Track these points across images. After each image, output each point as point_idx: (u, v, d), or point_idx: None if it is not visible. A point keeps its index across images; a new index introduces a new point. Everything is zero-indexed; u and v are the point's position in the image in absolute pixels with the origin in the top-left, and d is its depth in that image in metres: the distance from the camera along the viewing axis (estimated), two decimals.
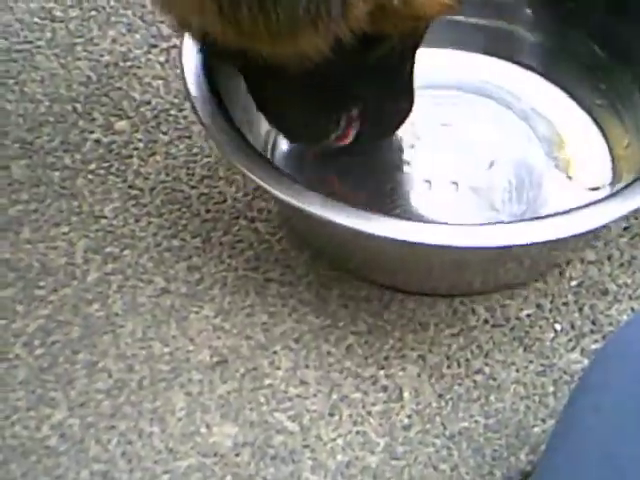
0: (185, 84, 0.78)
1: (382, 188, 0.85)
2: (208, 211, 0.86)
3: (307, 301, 0.81)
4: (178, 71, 0.94)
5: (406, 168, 0.86)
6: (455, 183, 0.85)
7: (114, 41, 0.98)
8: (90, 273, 0.82)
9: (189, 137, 0.91)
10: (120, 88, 0.94)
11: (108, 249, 0.84)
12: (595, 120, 0.89)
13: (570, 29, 0.89)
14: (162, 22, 1.00)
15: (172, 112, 0.93)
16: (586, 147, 0.87)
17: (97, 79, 0.95)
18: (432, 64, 0.91)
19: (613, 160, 0.86)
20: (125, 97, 0.94)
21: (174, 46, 0.98)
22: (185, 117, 0.93)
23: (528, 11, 0.91)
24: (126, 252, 0.84)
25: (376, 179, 0.85)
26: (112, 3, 1.01)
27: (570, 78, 0.90)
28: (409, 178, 0.86)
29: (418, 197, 0.84)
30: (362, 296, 0.81)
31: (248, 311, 0.81)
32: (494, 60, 0.93)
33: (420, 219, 0.81)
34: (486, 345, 0.79)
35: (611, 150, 0.86)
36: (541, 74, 0.92)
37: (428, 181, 0.85)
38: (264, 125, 0.81)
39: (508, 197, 0.84)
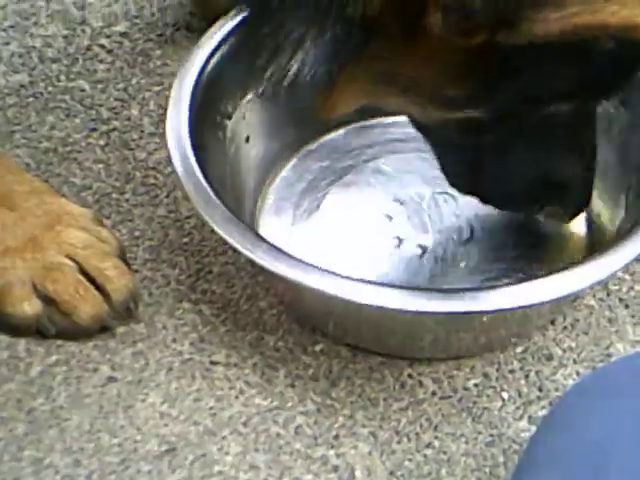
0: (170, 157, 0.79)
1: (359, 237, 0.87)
2: (151, 295, 0.86)
3: (254, 383, 0.81)
4: (119, 153, 0.95)
5: (385, 222, 0.87)
6: (424, 248, 0.86)
7: (53, 127, 0.98)
8: (34, 366, 0.81)
9: (131, 220, 0.91)
10: (59, 174, 0.94)
11: (51, 339, 0.83)
12: None
13: None
14: (101, 105, 1.00)
15: (114, 195, 0.93)
16: None
17: (36, 166, 0.95)
18: None
19: None
20: (65, 182, 0.94)
21: (114, 129, 0.98)
22: (127, 200, 0.93)
23: None
24: (70, 341, 0.83)
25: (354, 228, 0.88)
26: (50, 89, 1.01)
27: None
28: (384, 232, 0.87)
29: (384, 253, 0.86)
30: (309, 375, 0.81)
31: (195, 396, 0.80)
32: None
33: (381, 276, 0.83)
34: (435, 418, 0.79)
35: None
36: None
37: (399, 239, 0.86)
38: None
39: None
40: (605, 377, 0.60)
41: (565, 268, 0.72)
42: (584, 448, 0.54)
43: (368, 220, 0.88)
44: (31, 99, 1.01)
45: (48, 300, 0.81)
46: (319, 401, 0.80)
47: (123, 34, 1.05)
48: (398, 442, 0.78)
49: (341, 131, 0.94)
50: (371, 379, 0.81)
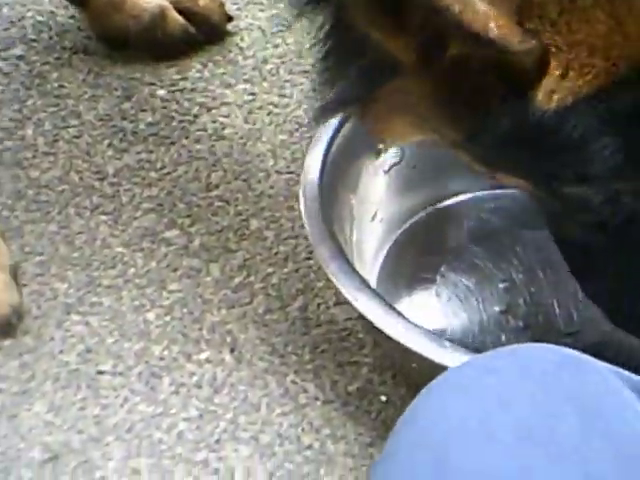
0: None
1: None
2: (40, 308, 0.87)
3: (138, 391, 0.82)
4: (11, 172, 0.96)
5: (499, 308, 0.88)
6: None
7: None
8: None
9: (22, 236, 0.92)
10: None
11: None
12: None
13: None
14: None
15: (4, 213, 0.94)
16: None
17: None
18: None
19: None
20: None
21: (8, 149, 0.99)
22: (17, 217, 0.94)
23: None
24: None
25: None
26: None
27: None
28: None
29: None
30: (193, 382, 0.83)
31: (80, 405, 0.81)
32: None
33: None
34: (316, 421, 0.81)
35: None
36: None
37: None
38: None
39: None
40: (458, 375, 0.61)
41: None
42: (427, 442, 0.55)
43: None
44: None
45: None
46: (202, 407, 0.81)
47: (20, 57, 1.07)
48: (280, 445, 0.79)
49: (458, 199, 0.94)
50: (254, 385, 0.82)
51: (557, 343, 0.66)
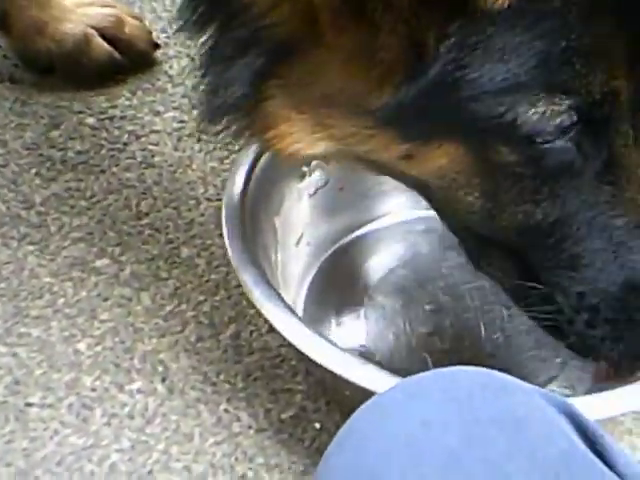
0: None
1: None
2: None
3: (69, 423, 0.81)
4: None
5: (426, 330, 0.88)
6: None
7: None
8: None
9: None
10: None
11: None
12: None
13: None
14: None
15: None
16: None
17: None
18: None
19: None
20: None
21: None
22: None
23: None
24: None
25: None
26: None
27: None
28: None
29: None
30: (125, 413, 0.82)
31: (8, 438, 0.80)
32: None
33: None
34: (250, 450, 0.80)
35: None
36: None
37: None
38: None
39: None
40: (386, 399, 0.61)
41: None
42: (356, 468, 0.55)
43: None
44: None
45: None
46: (134, 438, 0.80)
47: None
48: (213, 475, 0.79)
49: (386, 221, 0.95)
50: (187, 415, 0.82)
51: (484, 365, 0.68)
